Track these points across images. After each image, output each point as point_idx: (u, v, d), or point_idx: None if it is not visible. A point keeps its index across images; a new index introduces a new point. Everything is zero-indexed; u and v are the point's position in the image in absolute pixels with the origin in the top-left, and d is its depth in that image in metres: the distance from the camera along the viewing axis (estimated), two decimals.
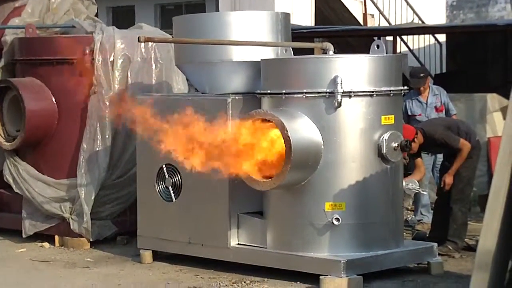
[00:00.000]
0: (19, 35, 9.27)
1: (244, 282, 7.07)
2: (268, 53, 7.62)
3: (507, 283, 6.21)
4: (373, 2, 15.85)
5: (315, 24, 14.57)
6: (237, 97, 7.46)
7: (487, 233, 5.86)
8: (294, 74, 7.21)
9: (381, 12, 16.00)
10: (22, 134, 8.89)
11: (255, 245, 7.34)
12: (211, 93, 7.71)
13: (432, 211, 8.78)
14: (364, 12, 15.70)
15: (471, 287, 5.82)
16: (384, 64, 7.26)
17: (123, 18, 17.67)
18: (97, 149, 8.70)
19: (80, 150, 8.72)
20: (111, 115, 8.68)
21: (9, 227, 9.23)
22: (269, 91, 7.26)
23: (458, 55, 14.83)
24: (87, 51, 8.76)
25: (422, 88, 9.50)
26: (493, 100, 10.84)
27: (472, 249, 7.90)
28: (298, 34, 11.17)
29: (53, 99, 8.93)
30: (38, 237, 8.92)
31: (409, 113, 9.42)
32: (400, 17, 16.31)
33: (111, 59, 8.77)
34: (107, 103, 8.71)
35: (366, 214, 7.07)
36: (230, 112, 7.32)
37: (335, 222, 6.95)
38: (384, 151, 7.07)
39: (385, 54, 7.50)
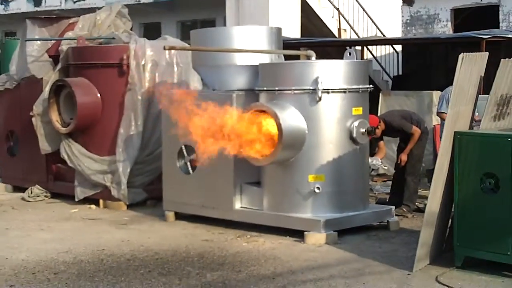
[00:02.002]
0: (72, 45, 9.20)
1: (246, 236, 7.04)
2: (265, 59, 7.55)
3: (447, 236, 6.20)
4: (346, 19, 15.74)
5: (301, 36, 14.48)
6: (240, 93, 7.40)
7: (432, 198, 5.86)
8: (284, 75, 7.15)
9: (352, 27, 15.89)
10: (74, 121, 8.83)
11: (254, 208, 7.30)
12: (220, 90, 7.65)
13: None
14: (338, 27, 15.61)
15: (420, 239, 5.82)
16: (355, 68, 7.20)
17: (151, 32, 17.55)
18: (132, 133, 8.65)
19: (118, 134, 8.66)
20: (142, 107, 8.64)
21: (65, 193, 9.19)
22: (265, 88, 7.20)
23: (411, 61, 14.76)
24: (124, 57, 8.69)
25: None
26: (437, 96, 10.77)
27: (421, 211, 7.86)
28: (288, 44, 11.09)
29: (98, 95, 8.85)
30: (87, 200, 8.88)
31: None
32: (367, 31, 16.21)
33: (143, 63, 8.70)
34: (140, 97, 8.65)
35: (340, 184, 7.03)
36: (235, 104, 7.26)
37: (316, 190, 6.92)
38: (354, 135, 7.03)
39: (355, 60, 7.44)
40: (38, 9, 19.45)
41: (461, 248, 5.77)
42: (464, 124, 6.07)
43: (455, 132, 5.83)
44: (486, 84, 6.40)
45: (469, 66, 5.91)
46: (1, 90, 10.01)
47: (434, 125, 10.23)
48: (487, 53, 6.27)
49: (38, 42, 9.50)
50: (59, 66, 9.26)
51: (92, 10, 11.00)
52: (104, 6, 10.43)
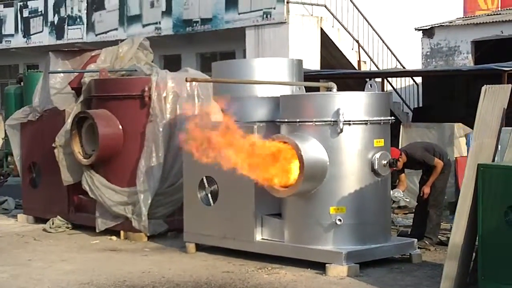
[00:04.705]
0: (94, 77, 9.32)
1: (267, 268, 7.03)
2: (286, 90, 7.60)
3: (471, 270, 6.15)
4: (365, 51, 15.84)
5: (321, 68, 14.58)
6: (261, 124, 7.43)
7: (456, 231, 5.83)
8: (306, 107, 7.18)
9: (371, 59, 15.99)
10: (96, 152, 8.91)
11: (275, 239, 7.29)
12: (242, 121, 7.70)
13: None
14: (358, 59, 15.70)
15: (444, 272, 5.79)
16: (376, 100, 7.22)
17: (172, 64, 17.75)
18: (152, 164, 8.68)
19: (139, 165, 8.70)
20: (163, 138, 8.70)
21: (86, 224, 9.24)
22: (286, 120, 7.23)
23: (432, 93, 14.77)
24: (146, 89, 8.80)
25: None
26: (458, 128, 10.76)
27: (444, 243, 7.82)
28: (308, 76, 11.15)
29: (120, 126, 8.94)
30: (108, 232, 8.92)
31: None
32: (387, 63, 16.30)
33: (164, 95, 8.75)
34: (161, 129, 8.72)
35: (362, 216, 7.01)
36: (256, 136, 7.30)
37: (338, 222, 6.91)
38: (376, 167, 7.03)
39: (376, 92, 7.47)
40: (60, 42, 19.76)
41: (486, 282, 5.72)
42: (487, 156, 6.07)
43: (478, 164, 5.83)
44: (508, 116, 6.41)
45: (492, 99, 5.93)
46: (24, 122, 10.17)
47: (456, 157, 10.20)
48: (510, 85, 6.29)
49: (61, 74, 9.64)
50: (81, 98, 9.37)
51: (114, 42, 11.19)
52: (126, 38, 10.60)
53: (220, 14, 16.37)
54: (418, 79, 15.77)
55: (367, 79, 11.92)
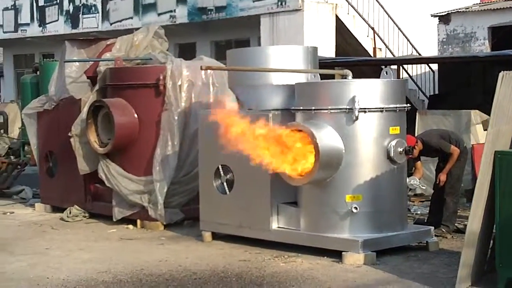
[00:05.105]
0: (109, 66, 9.34)
1: (283, 257, 7.03)
2: (301, 78, 7.58)
3: (489, 257, 6.12)
4: (381, 38, 15.74)
5: (336, 56, 14.51)
6: (276, 112, 7.42)
7: (473, 218, 5.79)
8: (321, 94, 7.16)
9: (387, 46, 15.89)
10: (112, 141, 8.94)
11: (291, 228, 7.29)
12: (256, 109, 7.68)
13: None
14: (374, 46, 15.61)
15: (461, 260, 5.76)
16: (392, 87, 7.19)
17: (186, 52, 17.74)
18: (168, 153, 8.70)
19: (155, 154, 8.72)
20: (179, 127, 8.71)
21: (103, 213, 9.28)
22: (301, 108, 7.22)
23: (448, 80, 14.66)
24: (161, 78, 8.80)
25: None
26: (475, 115, 10.69)
27: (460, 231, 7.79)
28: (323, 63, 11.10)
29: (135, 115, 8.95)
30: (125, 220, 8.96)
31: None
32: (402, 50, 16.19)
33: (179, 83, 8.76)
34: (176, 118, 8.73)
35: (378, 204, 7.00)
36: (271, 124, 7.28)
37: (354, 210, 6.90)
38: (392, 155, 7.01)
39: (392, 79, 7.43)
40: (76, 31, 19.81)
41: (504, 269, 5.69)
42: (504, 144, 6.02)
43: (495, 151, 5.78)
44: None
45: (509, 85, 5.87)
46: (40, 111, 10.23)
47: (472, 145, 10.14)
48: None
49: (77, 63, 9.68)
50: (97, 87, 9.40)
51: (128, 31, 11.18)
52: (141, 27, 10.60)
53: (234, 1, 16.31)
54: (434, 66, 15.65)
55: (383, 66, 11.85)
